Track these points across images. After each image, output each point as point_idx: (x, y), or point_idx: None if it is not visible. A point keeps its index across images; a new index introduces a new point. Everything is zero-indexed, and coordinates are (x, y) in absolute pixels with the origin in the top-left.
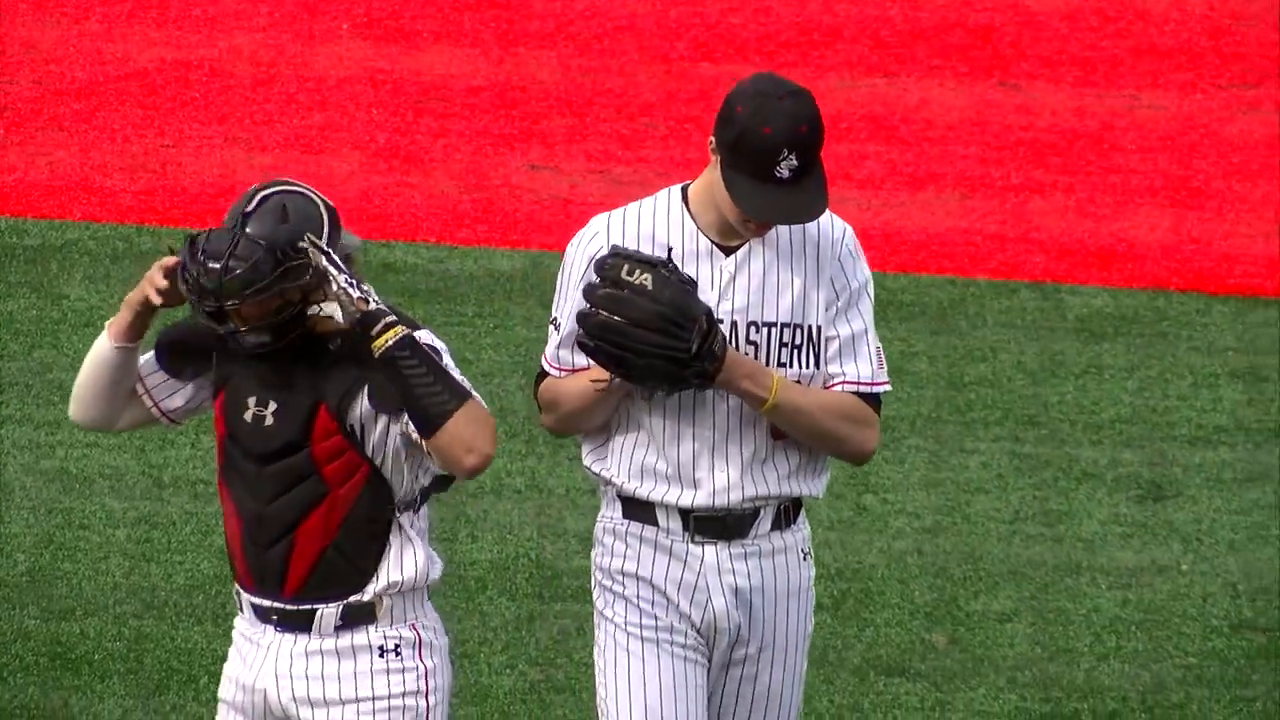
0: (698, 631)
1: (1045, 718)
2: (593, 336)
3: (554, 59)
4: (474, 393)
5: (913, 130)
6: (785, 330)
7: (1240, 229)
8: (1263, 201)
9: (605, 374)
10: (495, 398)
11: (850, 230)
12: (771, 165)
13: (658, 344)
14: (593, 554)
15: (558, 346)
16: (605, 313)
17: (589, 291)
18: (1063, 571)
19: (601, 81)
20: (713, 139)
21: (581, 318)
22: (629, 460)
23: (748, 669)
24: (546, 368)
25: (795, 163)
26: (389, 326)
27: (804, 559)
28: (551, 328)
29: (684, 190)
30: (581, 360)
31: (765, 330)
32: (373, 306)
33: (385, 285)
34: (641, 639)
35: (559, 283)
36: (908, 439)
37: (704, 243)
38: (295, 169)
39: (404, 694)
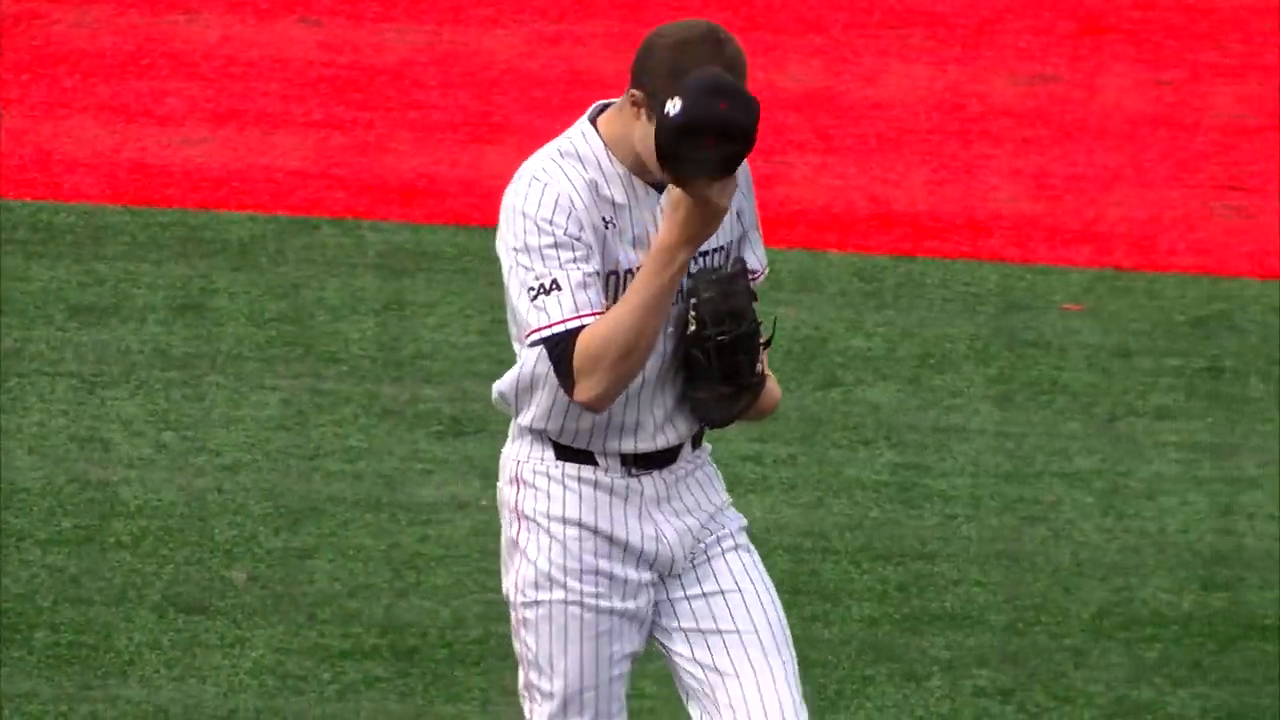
0: (650, 565)
1: (345, 654)
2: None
3: None
4: None
5: (214, 67)
6: (716, 255)
7: None
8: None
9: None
10: None
11: None
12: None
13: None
14: (513, 496)
15: (581, 291)
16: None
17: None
18: (363, 508)
19: None
20: (635, 90)
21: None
22: (566, 413)
23: (711, 552)
24: (578, 323)
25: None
26: None
27: (716, 471)
28: (543, 293)
29: (596, 129)
30: (601, 300)
31: (701, 259)
32: None
33: None
34: (581, 593)
35: (528, 242)
36: (208, 376)
37: (639, 186)
38: None
39: None
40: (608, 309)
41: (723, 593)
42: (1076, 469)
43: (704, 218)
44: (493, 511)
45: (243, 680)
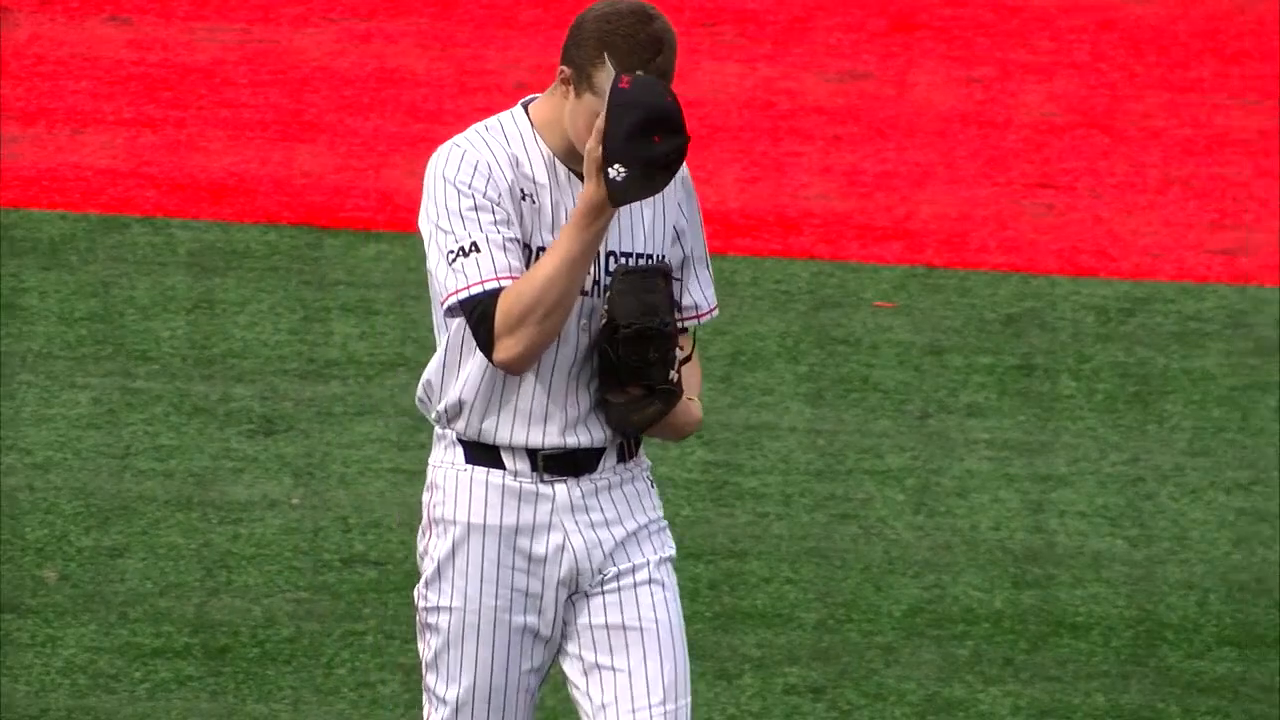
0: (558, 579)
1: (156, 653)
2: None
3: None
4: None
5: (23, 65)
6: (641, 261)
7: (352, 163)
8: (374, 135)
9: None
10: None
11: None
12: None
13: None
14: (428, 499)
15: (501, 253)
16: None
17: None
18: (174, 506)
19: None
20: (565, 67)
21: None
22: (473, 401)
23: (623, 582)
24: (496, 284)
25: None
26: None
27: (651, 487)
28: (462, 255)
29: (526, 113)
30: (522, 265)
31: (624, 261)
32: None
33: None
34: (481, 606)
35: (448, 206)
36: (19, 375)
37: (561, 171)
38: None
39: None
40: None
41: (624, 628)
42: (888, 466)
43: None
44: (303, 510)
45: (54, 679)
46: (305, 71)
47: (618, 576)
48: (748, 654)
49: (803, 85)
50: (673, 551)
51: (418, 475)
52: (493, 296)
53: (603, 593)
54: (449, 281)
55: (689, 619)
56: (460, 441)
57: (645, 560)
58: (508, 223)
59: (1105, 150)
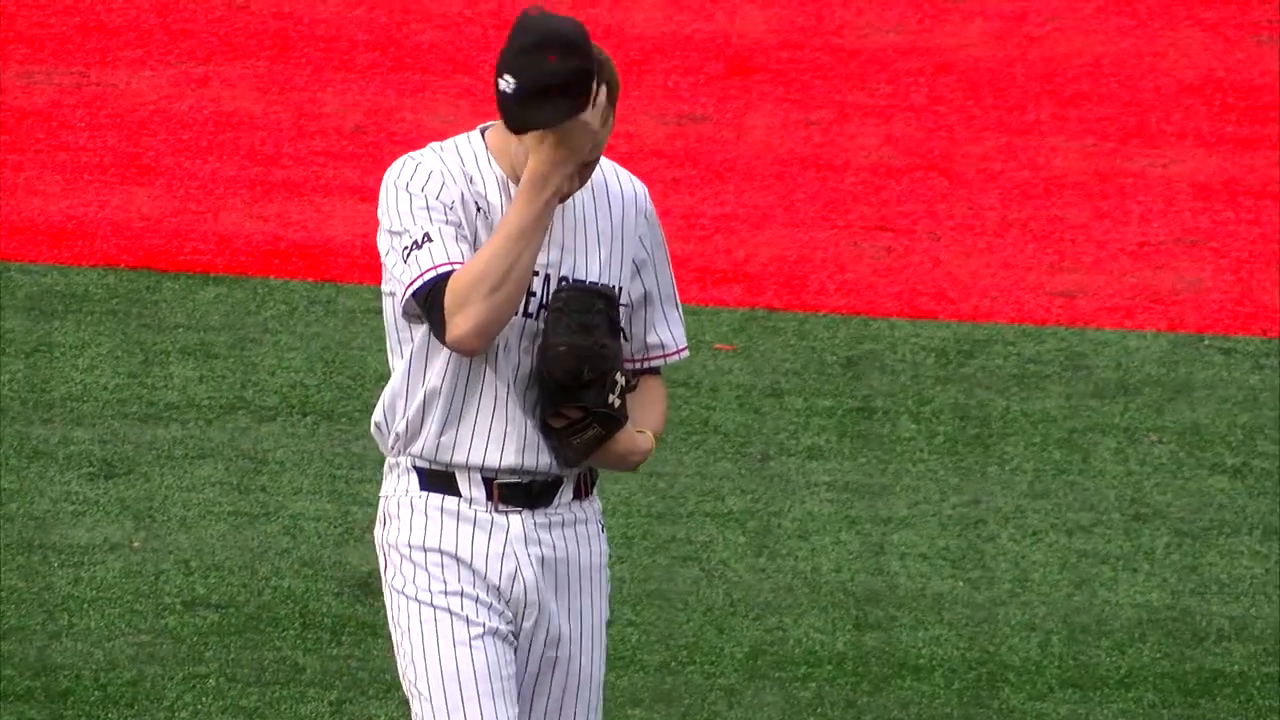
0: (506, 603)
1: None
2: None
3: None
4: None
5: None
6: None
7: (189, 206)
8: (211, 177)
9: None
10: None
11: (646, 188)
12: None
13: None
14: (381, 533)
15: (454, 243)
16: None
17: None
18: (14, 550)
19: None
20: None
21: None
22: (434, 413)
23: (560, 653)
24: (449, 268)
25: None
26: None
27: (601, 531)
28: (415, 249)
29: (483, 135)
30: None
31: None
32: None
33: None
34: (449, 612)
35: (400, 209)
36: None
37: (514, 191)
38: None
39: None
40: None
41: (548, 697)
42: (729, 509)
43: (573, 137)
44: (144, 553)
45: None
46: (143, 114)
47: (558, 643)
48: None
49: (640, 128)
50: (607, 614)
51: (258, 518)
52: (444, 280)
53: (540, 661)
54: (405, 275)
55: None
56: (415, 469)
57: (581, 631)
58: (460, 224)
59: (944, 193)
